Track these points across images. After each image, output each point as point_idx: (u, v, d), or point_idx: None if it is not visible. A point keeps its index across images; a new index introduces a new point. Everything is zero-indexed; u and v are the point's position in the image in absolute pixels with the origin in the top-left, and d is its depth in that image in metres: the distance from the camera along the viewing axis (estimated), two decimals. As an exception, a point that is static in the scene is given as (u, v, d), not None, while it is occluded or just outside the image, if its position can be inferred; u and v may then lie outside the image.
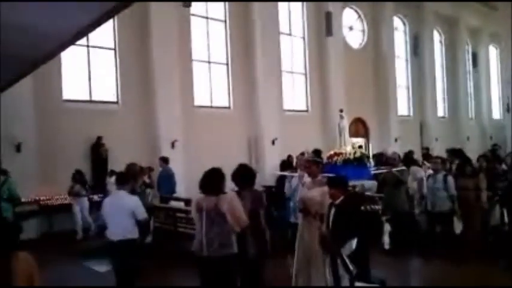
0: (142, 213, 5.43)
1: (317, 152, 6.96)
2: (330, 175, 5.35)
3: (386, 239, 8.08)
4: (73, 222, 10.43)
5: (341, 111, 16.55)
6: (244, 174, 5.10)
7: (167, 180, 10.89)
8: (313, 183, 5.47)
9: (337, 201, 4.77)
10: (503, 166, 9.89)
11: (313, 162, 5.68)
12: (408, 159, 11.02)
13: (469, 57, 26.45)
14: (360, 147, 11.82)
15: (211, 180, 4.52)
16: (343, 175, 5.33)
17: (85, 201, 10.52)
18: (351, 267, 4.43)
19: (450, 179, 7.71)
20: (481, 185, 7.94)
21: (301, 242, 5.41)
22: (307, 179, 5.77)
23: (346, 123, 16.54)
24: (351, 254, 4.49)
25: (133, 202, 5.42)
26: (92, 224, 10.49)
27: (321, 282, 4.98)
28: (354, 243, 4.51)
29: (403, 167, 8.80)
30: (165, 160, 11.14)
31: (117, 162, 11.05)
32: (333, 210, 4.75)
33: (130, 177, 5.83)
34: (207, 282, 4.50)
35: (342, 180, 4.99)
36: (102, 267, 7.95)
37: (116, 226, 5.32)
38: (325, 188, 4.99)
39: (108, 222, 5.48)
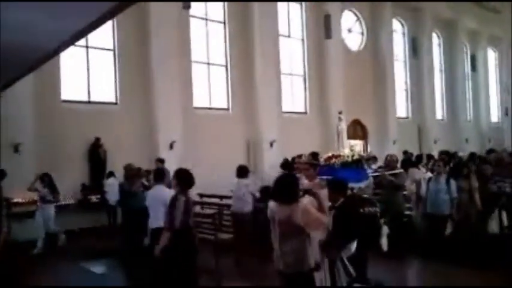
0: None
1: (314, 155, 6.98)
2: (329, 178, 5.36)
3: (384, 241, 8.07)
4: (33, 231, 9.27)
5: (340, 113, 16.59)
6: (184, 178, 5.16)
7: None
8: (311, 186, 5.47)
9: (337, 204, 4.78)
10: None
11: (311, 165, 5.70)
12: (406, 161, 11.03)
13: (467, 60, 26.44)
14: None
15: (283, 187, 4.05)
16: (343, 178, 5.33)
17: (51, 209, 9.33)
18: (350, 269, 4.44)
19: (453, 181, 7.72)
20: (474, 185, 7.97)
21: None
22: (304, 181, 5.77)
23: (344, 125, 16.58)
24: (350, 256, 4.49)
25: (167, 194, 5.86)
26: (58, 232, 9.46)
27: (319, 284, 4.96)
28: (353, 245, 4.52)
29: (401, 170, 8.80)
30: (161, 161, 11.13)
31: (116, 163, 11.06)
32: (332, 213, 4.76)
33: (164, 175, 6.53)
34: None
35: (341, 184, 5.02)
36: (99, 268, 7.98)
37: (156, 215, 6.07)
38: (324, 191, 4.99)
39: (150, 212, 6.35)
